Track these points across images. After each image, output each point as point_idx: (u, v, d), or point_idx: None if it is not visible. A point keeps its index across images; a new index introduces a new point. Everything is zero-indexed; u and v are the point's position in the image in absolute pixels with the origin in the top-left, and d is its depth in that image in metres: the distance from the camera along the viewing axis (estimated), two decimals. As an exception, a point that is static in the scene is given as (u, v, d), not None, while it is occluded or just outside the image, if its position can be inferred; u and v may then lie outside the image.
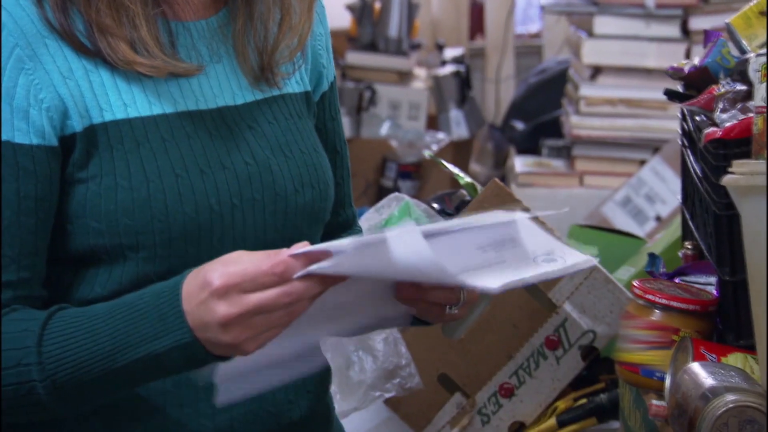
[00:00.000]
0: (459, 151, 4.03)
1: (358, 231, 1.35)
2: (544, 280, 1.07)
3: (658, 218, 2.90)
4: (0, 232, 1.07)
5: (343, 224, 1.32)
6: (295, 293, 1.00)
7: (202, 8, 1.18)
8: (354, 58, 3.91)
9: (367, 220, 1.85)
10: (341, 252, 0.99)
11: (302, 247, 1.01)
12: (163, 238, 1.10)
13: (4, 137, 1.07)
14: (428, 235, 0.99)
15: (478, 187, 1.84)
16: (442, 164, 1.86)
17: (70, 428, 1.14)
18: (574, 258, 1.08)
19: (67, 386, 1.05)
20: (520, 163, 3.37)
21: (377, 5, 3.90)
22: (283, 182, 1.17)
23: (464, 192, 1.85)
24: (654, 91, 3.00)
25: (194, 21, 1.17)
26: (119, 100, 1.11)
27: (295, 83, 1.24)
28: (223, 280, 1.00)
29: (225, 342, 1.02)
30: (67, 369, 1.04)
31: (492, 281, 1.01)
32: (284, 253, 1.01)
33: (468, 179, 1.83)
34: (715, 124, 1.31)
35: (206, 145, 1.13)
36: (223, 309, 1.00)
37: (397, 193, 1.87)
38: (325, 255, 1.00)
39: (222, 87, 1.17)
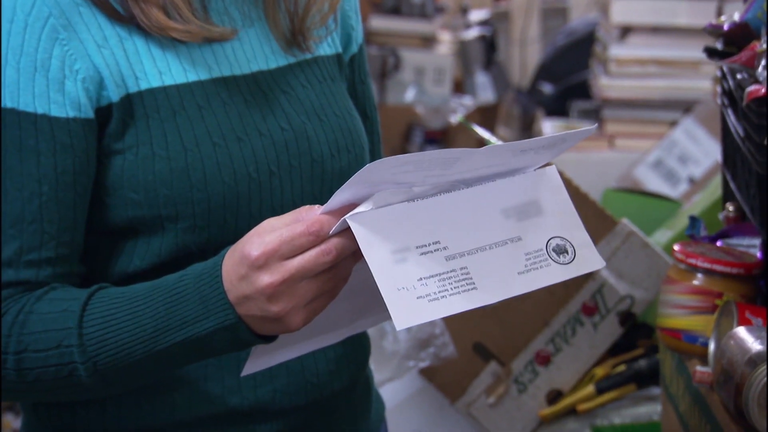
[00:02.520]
0: (485, 116, 3.99)
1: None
2: (544, 286, 1.03)
3: (692, 180, 2.86)
4: (39, 209, 1.05)
5: None
6: (335, 249, 0.98)
7: None
8: (378, 22, 3.87)
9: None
10: (367, 195, 0.97)
11: (333, 203, 0.99)
12: (202, 207, 1.09)
13: (40, 111, 1.05)
14: (461, 182, 0.97)
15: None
16: (472, 128, 1.83)
17: (108, 398, 1.13)
18: (584, 255, 1.04)
19: (108, 368, 1.03)
20: (548, 127, 3.33)
21: (401, -31, 3.86)
22: (319, 147, 1.16)
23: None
24: (685, 50, 2.95)
25: None
26: (154, 68, 1.09)
27: (327, 45, 1.22)
28: (261, 250, 0.98)
29: (273, 313, 0.99)
30: (108, 351, 1.03)
31: (494, 288, 0.98)
32: (315, 211, 0.99)
33: (499, 143, 1.80)
34: (757, 82, 1.27)
35: (242, 112, 1.12)
36: (266, 279, 0.98)
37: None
38: (354, 206, 0.98)
39: (255, 51, 1.15)
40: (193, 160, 1.09)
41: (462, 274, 0.98)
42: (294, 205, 1.12)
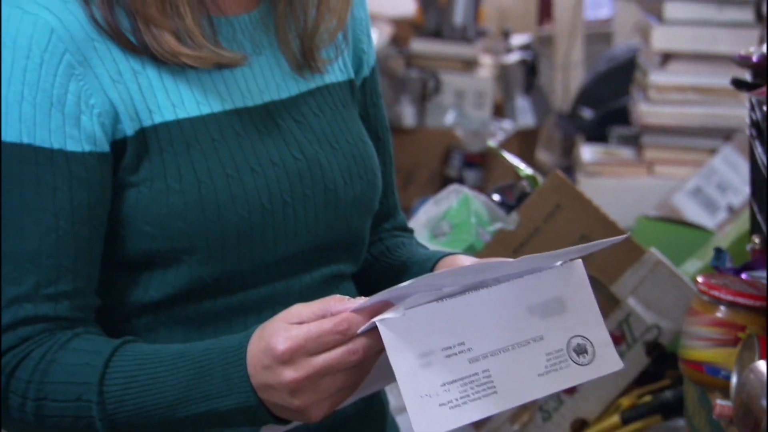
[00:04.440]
0: (525, 140, 3.97)
1: (401, 221, 1.33)
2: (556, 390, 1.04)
3: (731, 208, 2.83)
4: (56, 243, 1.06)
5: (385, 214, 1.30)
6: (361, 349, 0.98)
7: (245, 2, 1.17)
8: (419, 46, 3.88)
9: (426, 212, 1.82)
10: (402, 298, 0.98)
11: (361, 301, 1.00)
12: (217, 239, 1.09)
13: (56, 146, 1.06)
14: (489, 281, 0.99)
15: (539, 178, 1.80)
16: (502, 155, 1.82)
17: None
18: (603, 356, 1.05)
19: (124, 425, 1.04)
20: (587, 152, 3.31)
21: (443, -8, 3.86)
22: (332, 175, 1.16)
23: (525, 184, 1.82)
24: (726, 78, 2.90)
25: (236, 15, 1.16)
26: (168, 101, 1.09)
27: (338, 71, 1.23)
28: (287, 345, 0.98)
29: (294, 406, 1.00)
30: (127, 412, 1.04)
31: (513, 392, 1.00)
32: (345, 304, 0.99)
33: (529, 171, 1.80)
34: (783, 114, 1.26)
35: (255, 143, 1.12)
36: (290, 374, 0.98)
37: (456, 185, 1.84)
38: (385, 305, 0.99)
39: (267, 80, 1.16)
40: (206, 192, 1.09)
41: (484, 377, 0.99)
42: (308, 234, 1.14)
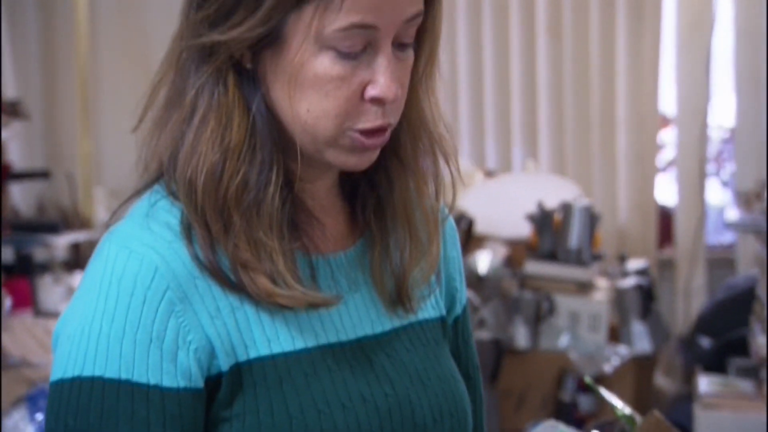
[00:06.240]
0: (642, 366, 3.86)
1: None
2: None
3: None
4: None
5: None
6: None
7: (340, 239, 1.19)
8: (533, 267, 3.86)
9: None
10: None
11: None
12: None
13: (152, 381, 1.07)
14: None
15: (637, 419, 1.72)
16: (598, 391, 1.75)
17: None
18: None
19: None
20: (704, 383, 3.19)
21: (558, 216, 3.85)
22: (422, 413, 1.15)
23: (623, 423, 1.73)
24: None
25: (333, 253, 1.17)
26: (263, 336, 1.11)
27: (430, 308, 1.23)
28: None
29: None
30: None
31: None
32: None
33: (626, 411, 1.72)
34: None
35: (347, 379, 1.13)
36: None
37: (552, 421, 1.77)
38: None
39: (361, 317, 1.17)
40: (298, 428, 1.09)
41: None
42: None
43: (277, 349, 1.10)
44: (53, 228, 4.25)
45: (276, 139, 1.11)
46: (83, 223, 4.48)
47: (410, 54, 1.12)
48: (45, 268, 4.17)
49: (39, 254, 4.23)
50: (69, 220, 4.49)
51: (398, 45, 1.10)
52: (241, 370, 1.09)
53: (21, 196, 4.70)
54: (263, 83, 1.10)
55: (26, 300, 3.84)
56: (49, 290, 4.01)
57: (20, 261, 4.05)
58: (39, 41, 4.81)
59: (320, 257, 1.16)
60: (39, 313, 3.88)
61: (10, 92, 4.56)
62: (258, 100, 1.10)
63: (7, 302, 3.27)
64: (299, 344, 1.11)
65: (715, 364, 3.32)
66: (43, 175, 4.62)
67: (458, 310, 1.27)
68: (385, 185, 1.18)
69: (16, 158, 4.64)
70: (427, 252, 1.19)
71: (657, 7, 4.64)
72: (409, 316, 1.20)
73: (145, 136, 1.14)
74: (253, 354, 1.10)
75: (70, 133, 4.69)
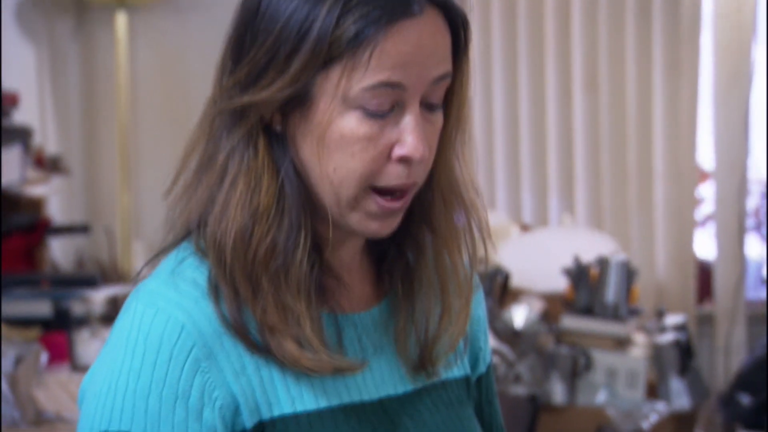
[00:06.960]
0: (680, 423, 3.81)
1: None
2: None
3: None
4: None
5: None
6: None
7: (365, 300, 1.19)
8: (569, 322, 3.83)
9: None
10: None
11: None
12: None
13: None
14: None
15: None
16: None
17: None
18: None
19: None
20: (744, 441, 3.14)
21: (594, 270, 3.83)
22: None
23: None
24: None
25: (359, 313, 1.17)
26: (287, 395, 1.11)
27: (455, 368, 1.23)
28: None
29: None
30: None
31: None
32: None
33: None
34: None
35: None
36: None
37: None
38: None
39: (384, 378, 1.17)
40: None
41: None
42: None
43: (300, 407, 1.10)
44: (91, 282, 4.27)
45: (304, 202, 1.11)
46: (121, 277, 4.51)
47: (439, 116, 1.12)
48: (83, 322, 4.19)
49: (77, 308, 4.25)
50: (107, 274, 4.52)
51: (426, 105, 1.10)
52: (264, 427, 1.09)
53: (61, 251, 4.74)
54: (292, 145, 1.11)
55: (63, 354, 3.86)
56: (87, 344, 4.02)
57: (58, 315, 4.07)
58: (80, 97, 4.87)
59: (346, 317, 1.16)
60: (76, 367, 3.89)
61: (51, 148, 4.62)
62: (287, 163, 1.11)
63: (44, 357, 3.28)
64: (323, 403, 1.11)
65: (756, 422, 3.27)
66: (82, 229, 4.66)
67: (482, 368, 1.27)
68: (414, 252, 1.18)
69: (56, 213, 4.68)
70: (458, 321, 1.19)
71: (694, 59, 4.62)
72: (433, 377, 1.19)
73: (175, 199, 1.14)
74: (276, 412, 1.10)
75: (110, 187, 4.74)
